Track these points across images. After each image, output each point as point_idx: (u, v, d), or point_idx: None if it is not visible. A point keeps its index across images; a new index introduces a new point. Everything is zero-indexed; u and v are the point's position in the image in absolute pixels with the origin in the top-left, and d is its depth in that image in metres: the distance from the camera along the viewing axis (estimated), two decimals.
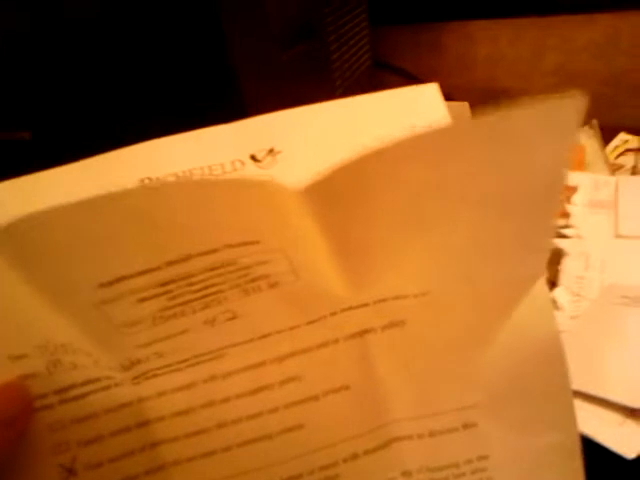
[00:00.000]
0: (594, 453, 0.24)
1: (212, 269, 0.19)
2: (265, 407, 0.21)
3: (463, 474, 0.21)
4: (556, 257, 0.35)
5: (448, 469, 0.21)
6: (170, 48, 0.40)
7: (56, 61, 0.42)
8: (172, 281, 0.19)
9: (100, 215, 0.17)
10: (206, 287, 0.19)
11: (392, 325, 0.21)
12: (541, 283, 0.20)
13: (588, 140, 0.49)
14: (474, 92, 0.61)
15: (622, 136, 0.51)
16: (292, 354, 0.21)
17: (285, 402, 0.21)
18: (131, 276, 0.18)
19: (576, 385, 0.26)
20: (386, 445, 0.21)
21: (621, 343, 0.28)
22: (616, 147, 0.50)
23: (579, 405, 0.26)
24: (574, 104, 0.15)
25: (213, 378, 0.20)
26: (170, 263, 0.18)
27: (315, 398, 0.21)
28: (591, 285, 0.33)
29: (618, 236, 0.36)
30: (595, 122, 0.52)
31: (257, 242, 0.18)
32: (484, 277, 0.20)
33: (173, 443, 0.20)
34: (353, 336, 0.21)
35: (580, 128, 0.16)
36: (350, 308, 0.21)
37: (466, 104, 0.58)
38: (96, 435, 0.20)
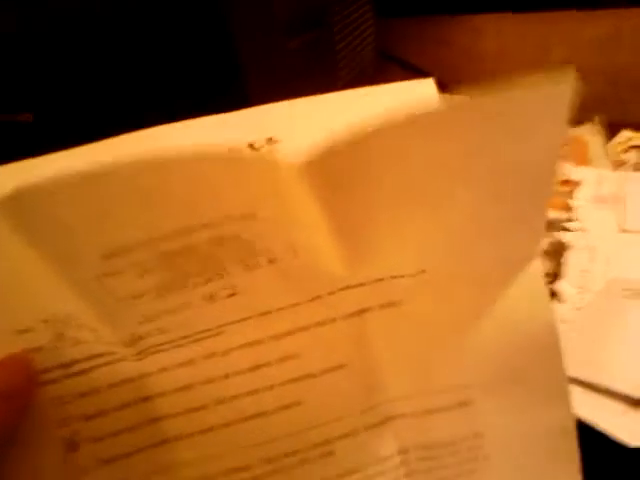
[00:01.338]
0: (597, 441, 0.24)
1: (212, 244, 0.19)
2: (263, 384, 0.21)
3: (459, 451, 0.21)
4: (560, 250, 0.36)
5: (444, 446, 0.22)
6: (175, 35, 0.40)
7: (59, 44, 0.42)
8: (173, 254, 0.19)
9: (100, 186, 0.18)
10: (206, 261, 0.19)
11: (389, 305, 0.21)
12: (536, 266, 0.21)
13: (591, 136, 0.49)
14: (478, 84, 0.61)
15: (626, 133, 0.51)
16: (290, 332, 0.21)
17: (282, 379, 0.21)
18: (132, 247, 0.19)
19: (579, 374, 0.27)
20: (382, 423, 0.22)
21: (624, 334, 0.28)
22: (619, 143, 0.50)
23: (582, 394, 0.26)
24: (567, 84, 0.16)
25: (213, 355, 0.21)
26: (171, 234, 0.18)
27: (312, 376, 0.21)
28: (595, 278, 0.33)
29: (623, 230, 0.36)
30: (598, 118, 0.52)
31: (255, 216, 0.19)
32: (478, 256, 0.20)
33: (174, 419, 0.21)
34: (351, 315, 0.21)
35: (574, 107, 0.16)
36: (348, 287, 0.21)
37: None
38: (99, 410, 0.20)
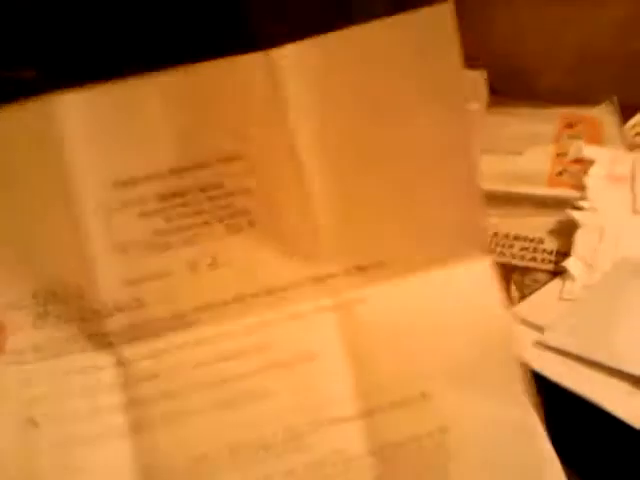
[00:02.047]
0: (602, 421, 0.23)
1: (203, 189, 0.21)
2: (234, 372, 0.21)
3: (425, 448, 0.21)
4: (570, 228, 0.35)
5: (411, 443, 0.21)
6: None
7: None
8: (171, 195, 0.21)
9: (128, 113, 0.21)
10: (196, 213, 0.21)
11: (356, 302, 0.22)
12: (485, 265, 0.22)
13: (606, 116, 0.48)
14: (492, 67, 0.59)
15: None
16: (263, 324, 0.22)
17: (254, 368, 0.21)
18: (140, 180, 0.21)
19: (586, 353, 0.26)
20: (352, 419, 0.22)
21: (633, 314, 0.28)
22: (633, 126, 0.49)
23: (588, 373, 0.25)
24: (444, 10, 0.21)
25: (185, 345, 0.21)
26: (171, 171, 0.21)
27: (283, 365, 0.22)
28: (604, 257, 0.32)
29: (635, 212, 0.35)
30: (614, 99, 0.50)
31: (241, 157, 0.21)
32: (429, 241, 0.22)
33: (139, 406, 0.21)
34: (321, 310, 0.22)
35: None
36: (318, 279, 0.22)
37: (484, 73, 0.56)
38: (63, 392, 0.21)
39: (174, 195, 0.21)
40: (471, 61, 0.59)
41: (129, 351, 0.21)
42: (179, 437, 0.21)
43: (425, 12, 0.21)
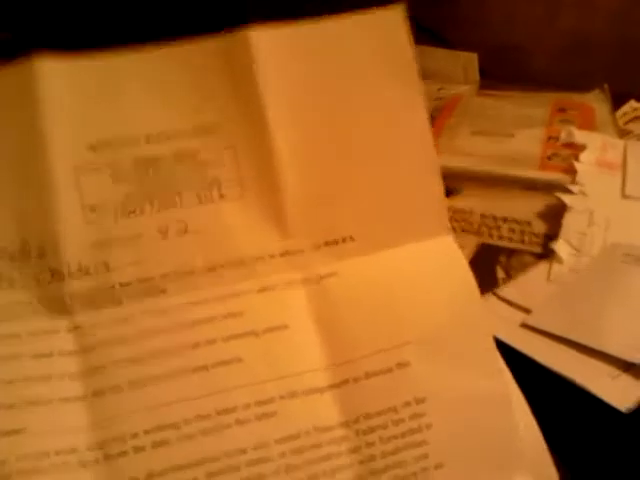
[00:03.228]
0: (588, 404, 0.23)
1: (177, 157, 0.22)
2: (203, 338, 0.21)
3: (402, 420, 0.21)
4: (559, 212, 0.34)
5: (386, 414, 0.21)
6: None
7: None
8: (145, 161, 0.21)
9: (109, 78, 0.21)
10: (169, 180, 0.22)
11: (326, 276, 0.22)
12: (451, 241, 0.23)
13: (598, 103, 0.48)
14: (485, 47, 0.59)
15: (632, 104, 0.49)
16: (233, 294, 0.22)
17: (224, 335, 0.21)
18: (115, 144, 0.21)
19: (572, 336, 0.26)
20: (324, 390, 0.21)
21: (621, 299, 0.27)
22: (625, 113, 0.48)
23: (575, 356, 0.25)
24: (398, 11, 0.23)
25: (151, 312, 0.21)
26: (147, 138, 0.21)
27: (254, 334, 0.21)
28: (593, 241, 0.32)
29: (625, 196, 0.35)
30: (606, 86, 0.50)
31: (216, 129, 0.22)
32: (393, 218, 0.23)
33: (99, 372, 0.20)
34: (290, 284, 0.22)
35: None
36: (287, 253, 0.22)
37: (475, 55, 0.56)
38: (13, 356, 0.20)
39: (148, 161, 0.21)
40: (463, 43, 0.59)
41: (89, 316, 0.21)
42: (143, 404, 0.20)
43: (386, 11, 0.23)
